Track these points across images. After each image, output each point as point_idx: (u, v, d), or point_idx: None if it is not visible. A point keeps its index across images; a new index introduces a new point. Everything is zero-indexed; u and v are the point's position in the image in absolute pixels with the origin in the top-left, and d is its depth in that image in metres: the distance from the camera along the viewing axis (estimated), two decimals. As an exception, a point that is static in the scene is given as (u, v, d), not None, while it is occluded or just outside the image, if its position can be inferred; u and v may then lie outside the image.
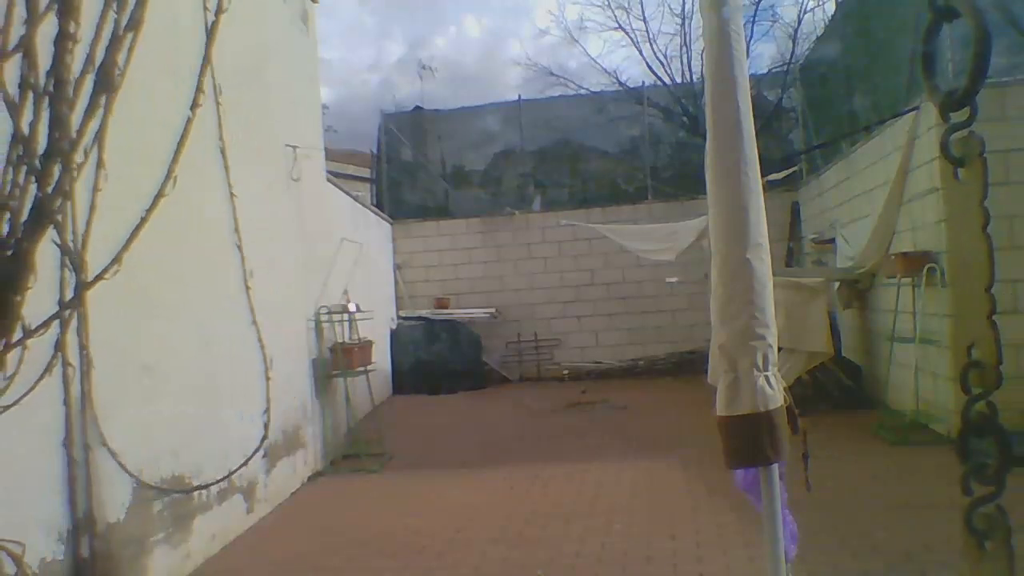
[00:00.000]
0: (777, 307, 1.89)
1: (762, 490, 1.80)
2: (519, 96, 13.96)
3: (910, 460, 5.54)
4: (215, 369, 4.68)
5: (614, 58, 44.82)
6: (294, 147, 6.35)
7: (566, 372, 11.68)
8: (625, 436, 7.22)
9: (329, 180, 7.99)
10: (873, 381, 7.84)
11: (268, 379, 5.18)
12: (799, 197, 11.19)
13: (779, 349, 1.84)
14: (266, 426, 5.07)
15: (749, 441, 1.74)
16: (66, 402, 3.27)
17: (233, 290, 5.02)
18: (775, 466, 1.79)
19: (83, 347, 3.36)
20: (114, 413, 3.56)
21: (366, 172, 15.63)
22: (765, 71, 15.51)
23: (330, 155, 9.06)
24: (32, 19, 1.19)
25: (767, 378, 1.75)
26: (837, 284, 8.06)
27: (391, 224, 12.34)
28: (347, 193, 9.42)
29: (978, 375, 1.36)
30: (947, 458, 5.60)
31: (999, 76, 5.94)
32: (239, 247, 5.14)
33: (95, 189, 1.78)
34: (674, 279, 10.35)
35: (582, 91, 17.84)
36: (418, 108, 14.69)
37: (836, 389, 7.72)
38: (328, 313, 6.84)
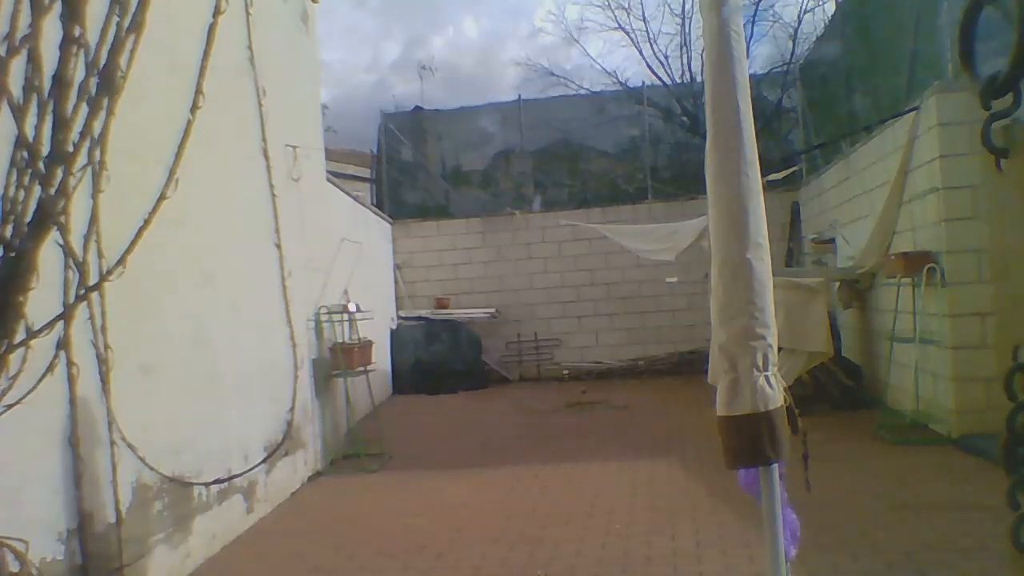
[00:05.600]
0: (777, 307, 1.89)
1: (762, 490, 1.80)
2: (519, 96, 13.96)
3: (910, 460, 5.54)
4: (216, 369, 4.69)
5: (614, 58, 44.79)
6: (294, 147, 6.36)
7: (566, 372, 11.68)
8: (625, 436, 7.22)
9: (329, 180, 7.99)
10: (873, 381, 7.85)
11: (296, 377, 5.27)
12: (799, 197, 11.19)
13: (779, 349, 1.84)
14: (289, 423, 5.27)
15: (749, 441, 1.74)
16: (72, 401, 3.29)
17: (235, 290, 5.02)
18: (775, 466, 1.79)
19: (106, 347, 3.46)
20: (116, 411, 3.57)
21: (366, 172, 15.63)
22: (765, 71, 15.51)
23: (330, 155, 9.06)
24: (36, 21, 1.20)
25: (767, 378, 1.75)
26: (837, 284, 8.07)
27: (391, 224, 12.34)
28: (347, 193, 9.42)
29: None
30: (947, 458, 5.60)
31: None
32: (240, 247, 5.16)
33: (98, 191, 1.79)
34: (674, 279, 10.35)
35: (582, 91, 17.86)
36: (418, 108, 14.69)
37: (836, 389, 7.72)
38: (328, 313, 6.85)
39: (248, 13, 5.24)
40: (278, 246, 5.84)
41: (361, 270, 9.38)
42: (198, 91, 1.68)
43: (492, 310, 11.98)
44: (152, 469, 3.87)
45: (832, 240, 9.13)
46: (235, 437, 4.87)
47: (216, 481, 4.51)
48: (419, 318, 11.74)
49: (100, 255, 3.13)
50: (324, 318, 6.80)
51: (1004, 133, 1.34)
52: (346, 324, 7.03)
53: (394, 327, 11.60)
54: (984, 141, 1.35)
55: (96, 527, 3.38)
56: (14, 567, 1.92)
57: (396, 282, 12.23)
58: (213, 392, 4.66)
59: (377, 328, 9.57)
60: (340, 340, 6.94)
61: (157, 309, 4.05)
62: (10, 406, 1.61)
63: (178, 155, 1.69)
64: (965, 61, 1.43)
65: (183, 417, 4.25)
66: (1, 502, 2.83)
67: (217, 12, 1.59)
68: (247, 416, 5.07)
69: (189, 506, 4.21)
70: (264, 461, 5.20)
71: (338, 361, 6.69)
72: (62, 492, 3.21)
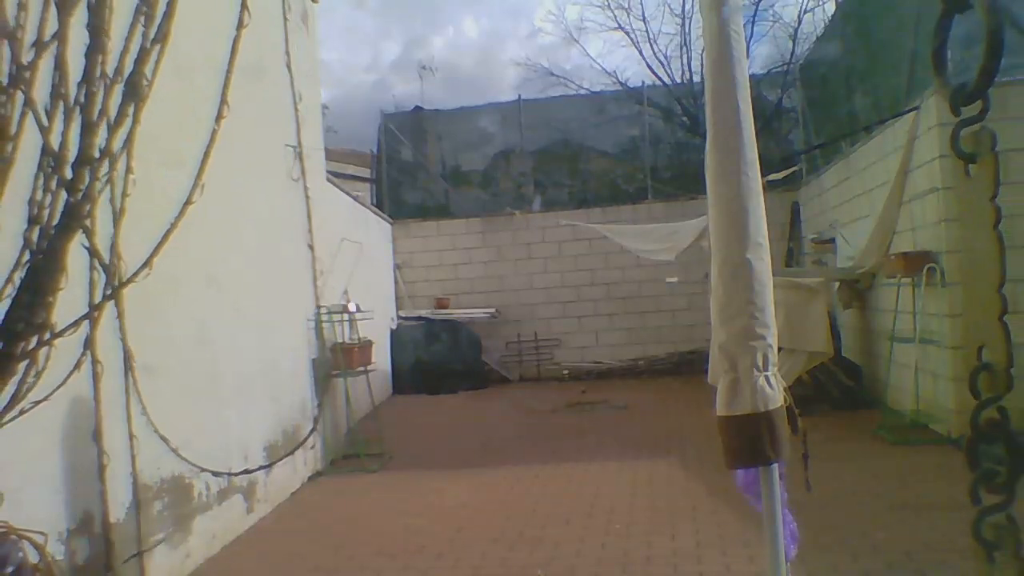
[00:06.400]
0: (777, 307, 1.89)
1: (762, 490, 1.80)
2: (519, 96, 13.96)
3: (910, 460, 5.54)
4: (217, 369, 4.69)
5: (614, 58, 44.84)
6: (294, 147, 6.36)
7: (566, 372, 11.68)
8: (625, 436, 7.23)
9: (329, 180, 7.99)
10: (873, 381, 7.85)
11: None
12: (799, 197, 11.19)
13: (779, 349, 1.84)
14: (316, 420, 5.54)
15: (749, 441, 1.74)
16: (96, 398, 3.35)
17: (235, 290, 5.02)
18: (775, 466, 1.79)
19: (125, 345, 3.56)
20: (116, 411, 3.58)
21: (366, 172, 15.63)
22: (765, 71, 15.51)
23: (330, 155, 9.06)
24: (62, 23, 1.21)
25: (767, 378, 1.75)
26: (837, 284, 8.07)
27: (391, 224, 12.34)
28: (347, 193, 9.42)
29: (988, 379, 1.31)
30: (947, 458, 5.60)
31: (999, 76, 5.96)
32: (241, 247, 5.16)
33: (124, 195, 1.80)
34: (674, 279, 10.35)
35: (582, 91, 17.86)
36: (418, 108, 14.68)
37: (836, 389, 7.72)
38: (328, 313, 6.85)
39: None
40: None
41: (361, 270, 9.38)
42: (223, 101, 1.70)
43: (492, 310, 11.98)
44: (183, 459, 4.02)
45: (832, 240, 9.13)
46: (235, 437, 4.87)
47: (261, 467, 4.76)
48: (419, 318, 11.74)
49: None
50: (324, 318, 6.80)
51: (973, 139, 1.35)
52: (346, 324, 7.04)
53: (394, 327, 11.60)
54: (953, 147, 1.36)
55: (97, 526, 3.39)
56: (34, 558, 1.94)
57: (396, 282, 12.23)
58: (213, 392, 4.66)
59: (377, 328, 9.57)
60: (340, 340, 6.94)
61: (160, 310, 4.05)
62: (37, 402, 1.63)
63: (204, 161, 1.70)
64: (937, 67, 1.45)
65: (184, 416, 4.24)
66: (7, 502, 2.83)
67: (240, 25, 1.61)
68: (247, 416, 5.07)
69: (189, 506, 4.21)
70: (291, 453, 5.29)
71: (338, 361, 6.69)
72: (62, 492, 3.21)
